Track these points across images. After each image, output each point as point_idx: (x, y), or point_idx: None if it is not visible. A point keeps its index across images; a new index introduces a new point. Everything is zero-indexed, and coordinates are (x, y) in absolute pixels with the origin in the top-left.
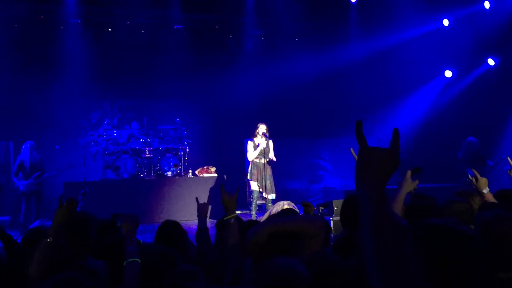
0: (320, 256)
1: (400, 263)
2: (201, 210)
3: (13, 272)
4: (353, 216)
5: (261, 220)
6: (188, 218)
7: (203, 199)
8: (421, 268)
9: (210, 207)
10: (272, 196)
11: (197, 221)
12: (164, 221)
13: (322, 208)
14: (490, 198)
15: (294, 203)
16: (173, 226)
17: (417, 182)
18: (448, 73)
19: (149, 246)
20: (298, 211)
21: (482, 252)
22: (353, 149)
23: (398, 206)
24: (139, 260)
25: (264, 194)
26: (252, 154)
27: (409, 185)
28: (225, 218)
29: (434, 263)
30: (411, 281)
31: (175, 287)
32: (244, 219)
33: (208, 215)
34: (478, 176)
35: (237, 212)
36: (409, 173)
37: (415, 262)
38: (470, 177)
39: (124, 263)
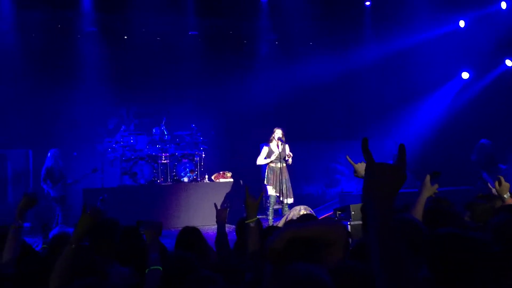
0: (341, 263)
1: (404, 271)
2: (220, 215)
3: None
4: None
5: (279, 225)
6: (205, 223)
7: (220, 204)
8: (432, 273)
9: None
10: (289, 200)
11: (213, 226)
12: (183, 227)
13: (339, 212)
14: (511, 203)
15: (310, 207)
16: (193, 232)
17: (436, 186)
18: (465, 75)
19: (170, 252)
20: (316, 216)
21: (493, 256)
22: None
23: (418, 211)
24: (161, 268)
25: (281, 198)
26: (261, 160)
27: (429, 189)
28: (246, 222)
29: (445, 267)
30: (416, 285)
31: None
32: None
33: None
34: (503, 180)
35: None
36: (428, 177)
37: (427, 268)
38: (485, 180)
39: (146, 271)
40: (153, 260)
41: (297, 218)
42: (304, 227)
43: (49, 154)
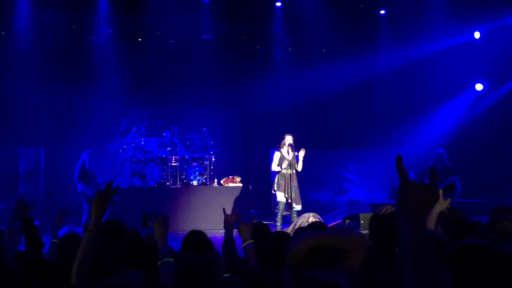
0: (358, 271)
1: (436, 283)
2: (228, 221)
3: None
4: (381, 232)
5: (287, 231)
6: (213, 227)
7: (228, 208)
8: (459, 284)
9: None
10: (298, 207)
11: (221, 231)
12: (190, 231)
13: (349, 221)
14: None
15: (319, 215)
16: (199, 236)
17: (449, 200)
18: (479, 86)
19: (186, 256)
20: (325, 223)
21: None
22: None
23: (430, 225)
24: (172, 260)
25: (289, 201)
26: (275, 167)
27: (441, 203)
28: (242, 246)
29: (474, 278)
30: None
31: None
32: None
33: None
34: None
35: (264, 223)
36: (440, 191)
37: (453, 280)
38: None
39: (159, 263)
40: (164, 252)
41: (307, 225)
42: (326, 235)
43: (83, 154)
